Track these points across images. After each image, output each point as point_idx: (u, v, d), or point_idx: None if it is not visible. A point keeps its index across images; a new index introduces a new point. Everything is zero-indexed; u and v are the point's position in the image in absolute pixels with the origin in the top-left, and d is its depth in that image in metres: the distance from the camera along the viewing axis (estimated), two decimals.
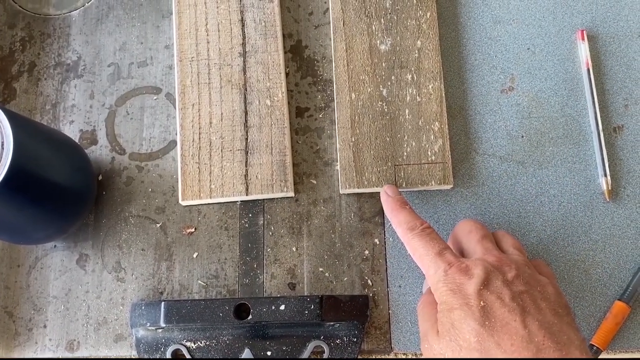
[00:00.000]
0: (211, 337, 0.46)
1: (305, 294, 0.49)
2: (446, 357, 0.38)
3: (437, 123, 0.50)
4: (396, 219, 0.45)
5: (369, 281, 0.49)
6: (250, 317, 0.45)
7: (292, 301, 0.44)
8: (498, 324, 0.37)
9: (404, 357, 0.48)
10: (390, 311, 0.49)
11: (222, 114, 0.51)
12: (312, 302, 0.44)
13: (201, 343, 0.46)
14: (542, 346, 0.36)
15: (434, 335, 0.39)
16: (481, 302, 0.37)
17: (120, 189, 0.52)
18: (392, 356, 0.48)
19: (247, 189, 0.50)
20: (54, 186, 0.45)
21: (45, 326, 0.49)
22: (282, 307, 0.44)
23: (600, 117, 0.51)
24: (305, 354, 0.46)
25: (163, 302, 0.45)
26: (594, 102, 0.51)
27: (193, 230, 0.51)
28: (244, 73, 0.52)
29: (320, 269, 0.50)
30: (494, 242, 0.44)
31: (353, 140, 0.51)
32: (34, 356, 0.49)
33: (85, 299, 0.50)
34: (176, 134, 0.52)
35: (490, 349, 0.36)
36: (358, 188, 0.50)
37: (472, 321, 0.37)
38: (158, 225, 0.51)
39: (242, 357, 0.45)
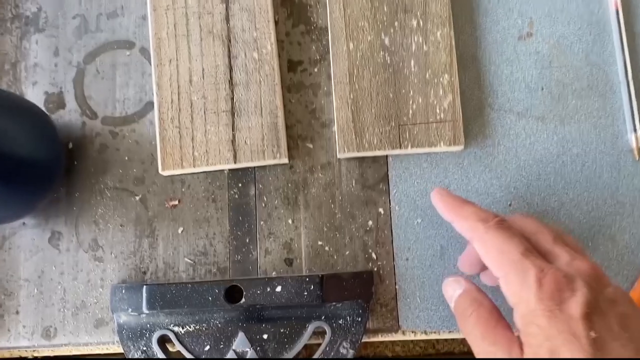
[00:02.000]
0: (201, 321, 0.42)
1: (304, 270, 0.44)
2: None
3: (446, 75, 0.45)
4: (461, 212, 0.36)
5: (374, 255, 0.45)
6: (243, 300, 0.40)
7: (290, 282, 0.40)
8: None
9: (412, 335, 0.44)
10: (397, 286, 0.44)
11: (203, 70, 0.45)
12: (311, 282, 0.40)
13: (190, 327, 0.42)
14: None
15: None
16: (591, 333, 0.29)
17: (93, 158, 0.47)
18: (399, 334, 0.44)
19: (235, 156, 0.44)
20: (15, 159, 0.40)
21: (17, 312, 0.45)
22: (279, 289, 0.40)
23: (630, 64, 0.45)
24: (305, 336, 0.42)
25: (145, 287, 0.41)
26: (622, 47, 0.46)
27: (177, 202, 0.46)
28: (227, 22, 0.46)
29: (320, 243, 0.45)
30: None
31: (352, 97, 0.45)
32: (8, 345, 0.45)
33: (60, 281, 0.45)
34: (153, 95, 0.46)
35: None
36: (357, 152, 0.44)
37: (581, 356, 0.29)
38: (137, 197, 0.46)
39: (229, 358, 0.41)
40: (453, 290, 0.37)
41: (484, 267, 0.40)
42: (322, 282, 0.40)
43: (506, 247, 0.33)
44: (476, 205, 0.37)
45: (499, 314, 0.34)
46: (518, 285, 0.32)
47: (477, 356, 0.33)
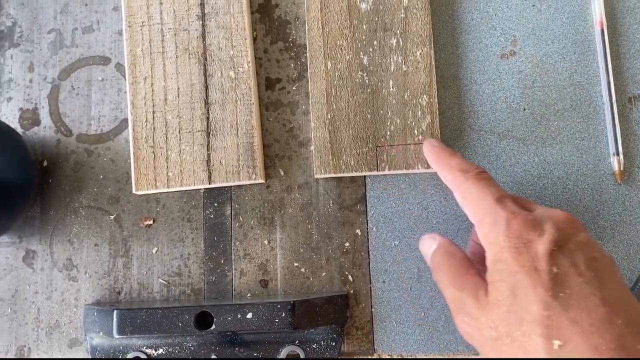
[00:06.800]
0: (173, 344, 0.42)
1: (279, 291, 0.44)
2: (498, 331, 0.31)
3: (425, 96, 0.44)
4: (445, 164, 0.38)
5: (350, 277, 0.44)
6: (213, 326, 0.40)
7: (261, 308, 0.39)
8: (574, 296, 0.29)
9: (388, 358, 0.44)
10: (373, 309, 0.44)
11: (178, 88, 0.45)
12: (283, 309, 0.39)
13: (163, 350, 0.42)
14: (624, 330, 0.29)
15: (476, 304, 0.32)
16: (554, 268, 0.30)
17: (68, 176, 0.46)
18: (375, 357, 0.44)
19: (209, 177, 0.44)
20: None
21: None
22: (249, 316, 0.39)
23: (614, 85, 0.44)
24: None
25: (115, 311, 0.40)
26: (607, 67, 0.45)
27: (151, 222, 0.45)
28: (203, 39, 0.45)
29: (296, 264, 0.44)
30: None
31: (329, 117, 0.44)
32: None
33: (34, 300, 0.45)
34: (128, 113, 0.45)
35: (562, 326, 0.29)
36: (334, 173, 0.44)
37: (541, 290, 0.30)
38: (112, 217, 0.45)
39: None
40: (429, 246, 0.38)
41: None
42: (294, 309, 0.40)
43: (482, 194, 0.34)
44: (462, 158, 0.38)
45: (470, 263, 0.35)
46: (489, 228, 0.33)
47: (447, 301, 0.35)
